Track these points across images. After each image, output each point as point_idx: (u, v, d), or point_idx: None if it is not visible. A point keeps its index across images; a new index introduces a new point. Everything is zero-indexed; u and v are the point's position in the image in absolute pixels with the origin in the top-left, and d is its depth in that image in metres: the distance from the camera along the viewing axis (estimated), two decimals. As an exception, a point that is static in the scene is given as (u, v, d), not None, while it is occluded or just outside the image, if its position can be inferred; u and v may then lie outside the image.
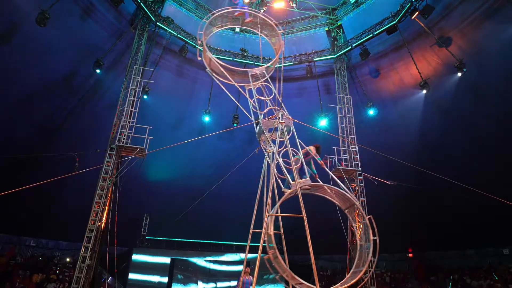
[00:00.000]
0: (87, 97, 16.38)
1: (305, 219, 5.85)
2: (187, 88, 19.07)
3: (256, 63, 17.58)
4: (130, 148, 11.79)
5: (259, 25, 8.42)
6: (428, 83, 14.88)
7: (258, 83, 7.82)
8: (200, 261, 19.97)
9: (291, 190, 6.38)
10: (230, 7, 8.37)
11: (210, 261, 20.08)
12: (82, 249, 10.59)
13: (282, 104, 7.23)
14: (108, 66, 15.65)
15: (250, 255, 7.97)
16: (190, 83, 19.04)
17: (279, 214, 6.92)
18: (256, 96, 7.53)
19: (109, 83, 16.45)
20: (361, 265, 6.19)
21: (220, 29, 8.63)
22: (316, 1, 17.53)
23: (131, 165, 11.81)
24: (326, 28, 18.23)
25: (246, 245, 6.92)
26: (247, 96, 7.58)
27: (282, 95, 7.61)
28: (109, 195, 11.55)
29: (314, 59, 17.68)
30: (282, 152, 6.76)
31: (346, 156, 13.87)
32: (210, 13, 8.42)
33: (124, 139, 11.98)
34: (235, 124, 17.91)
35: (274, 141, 6.97)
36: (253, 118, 7.35)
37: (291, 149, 6.67)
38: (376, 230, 6.22)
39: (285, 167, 6.52)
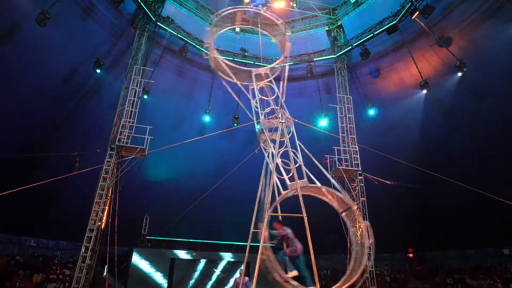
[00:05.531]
0: (87, 97, 16.36)
1: (305, 219, 5.84)
2: (187, 88, 19.06)
3: (256, 63, 17.56)
4: (130, 148, 11.78)
5: (259, 25, 8.45)
6: (428, 83, 14.88)
7: (261, 83, 7.82)
8: (200, 261, 19.95)
9: (289, 190, 6.35)
10: (232, 7, 8.43)
11: (210, 261, 20.06)
12: (82, 249, 10.60)
13: (284, 104, 7.22)
14: (108, 66, 15.64)
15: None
16: (190, 83, 19.03)
17: (279, 214, 6.92)
18: (258, 96, 7.53)
19: (109, 83, 16.43)
20: (357, 268, 6.13)
21: (225, 29, 8.69)
22: (316, 1, 17.52)
23: (131, 165, 11.80)
24: (326, 28, 18.24)
25: (246, 245, 6.91)
26: (250, 96, 7.58)
27: (284, 95, 7.61)
28: (109, 195, 11.55)
29: (314, 59, 17.68)
30: (281, 152, 6.75)
31: (346, 156, 13.87)
32: (215, 14, 8.54)
33: (124, 139, 11.98)
34: (235, 124, 17.89)
35: (274, 141, 6.96)
36: (254, 118, 7.34)
37: (291, 150, 6.66)
38: (372, 234, 6.17)
39: (284, 168, 6.52)
